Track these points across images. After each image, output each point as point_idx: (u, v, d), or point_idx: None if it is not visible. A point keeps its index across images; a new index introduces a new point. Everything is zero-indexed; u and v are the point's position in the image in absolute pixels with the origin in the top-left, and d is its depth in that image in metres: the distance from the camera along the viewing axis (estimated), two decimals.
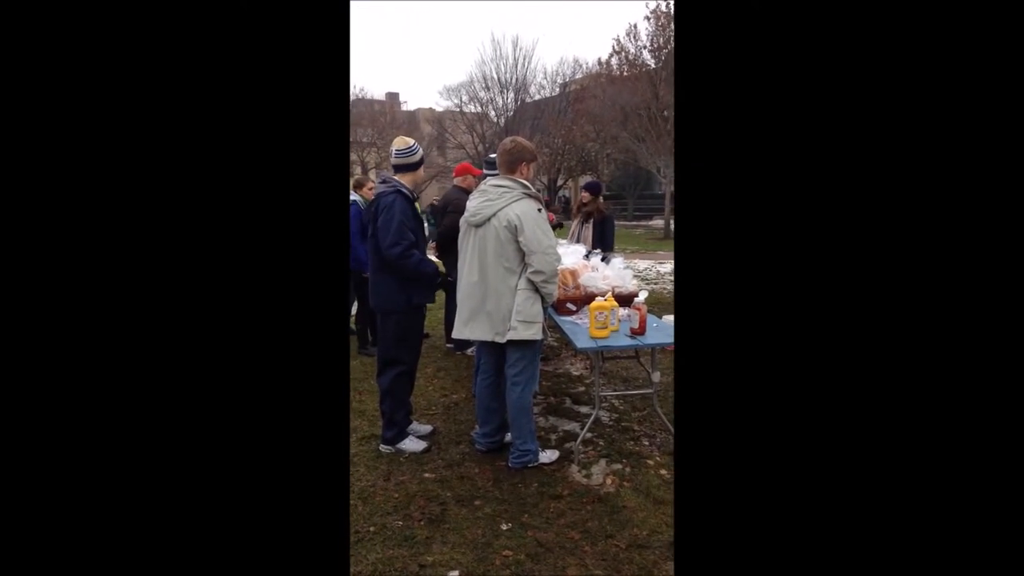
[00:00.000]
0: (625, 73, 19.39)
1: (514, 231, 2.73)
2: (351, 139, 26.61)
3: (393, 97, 35.17)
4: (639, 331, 3.05)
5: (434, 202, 9.88)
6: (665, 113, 18.13)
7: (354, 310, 5.70)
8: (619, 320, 3.11)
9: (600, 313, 2.99)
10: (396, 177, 3.14)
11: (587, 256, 3.88)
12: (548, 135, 25.17)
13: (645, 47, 19.04)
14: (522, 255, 2.75)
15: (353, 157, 27.83)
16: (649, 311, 3.22)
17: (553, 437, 3.37)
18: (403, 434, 3.21)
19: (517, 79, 28.26)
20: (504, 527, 2.43)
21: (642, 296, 3.11)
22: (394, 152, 3.17)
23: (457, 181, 4.93)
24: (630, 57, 19.38)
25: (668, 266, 11.27)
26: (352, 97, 29.07)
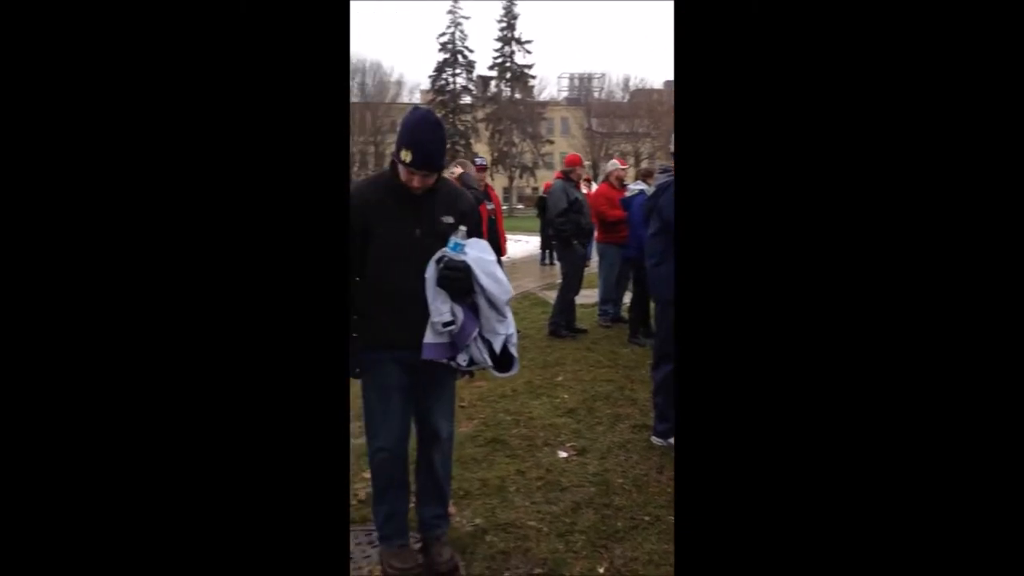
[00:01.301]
0: None
1: None
2: (629, 130, 26.92)
3: (670, 85, 34.62)
4: None
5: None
6: None
7: (627, 299, 5.79)
8: None
9: None
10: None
11: None
12: None
13: None
14: None
15: (628, 147, 28.13)
16: None
17: None
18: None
19: None
20: None
21: None
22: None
23: None
24: None
25: None
26: (632, 88, 29.33)
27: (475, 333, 1.98)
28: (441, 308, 1.93)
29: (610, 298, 6.01)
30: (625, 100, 34.02)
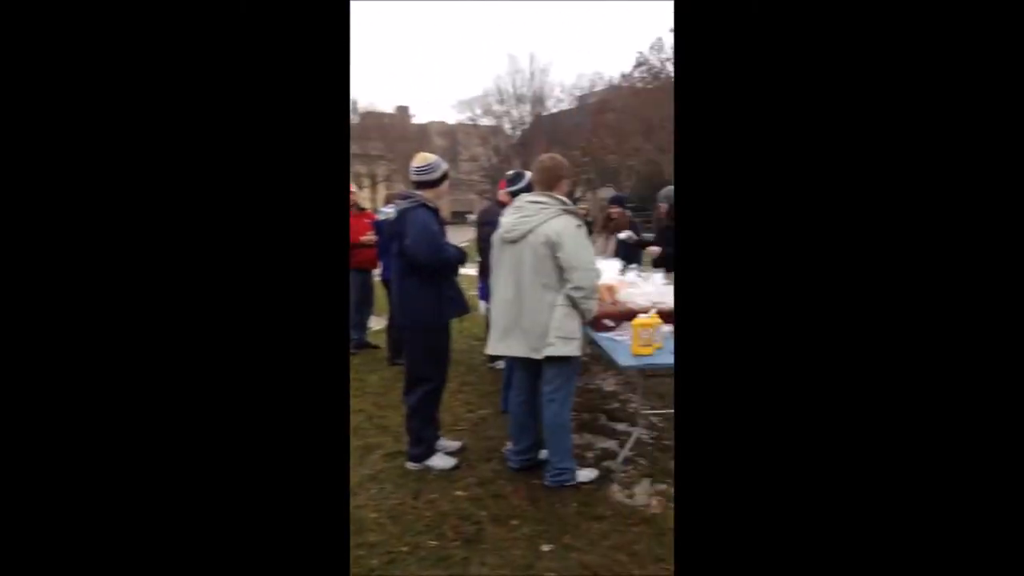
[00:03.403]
0: (649, 86, 19.40)
1: (552, 247, 2.68)
2: (361, 152, 26.48)
3: (403, 110, 35.13)
4: None
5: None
6: None
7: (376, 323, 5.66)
8: (663, 338, 3.01)
9: (644, 331, 2.90)
10: (418, 192, 3.08)
11: (622, 271, 3.82)
12: (566, 148, 25.10)
13: (669, 60, 19.07)
14: (560, 271, 2.69)
15: (363, 169, 27.77)
16: None
17: (589, 455, 3.27)
18: (431, 451, 3.12)
19: (534, 92, 28.19)
20: (545, 548, 2.34)
21: None
22: (414, 169, 3.11)
23: (501, 195, 4.87)
24: (654, 70, 19.38)
25: None
26: (361, 111, 28.94)
27: None
28: None
29: (352, 323, 5.80)
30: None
